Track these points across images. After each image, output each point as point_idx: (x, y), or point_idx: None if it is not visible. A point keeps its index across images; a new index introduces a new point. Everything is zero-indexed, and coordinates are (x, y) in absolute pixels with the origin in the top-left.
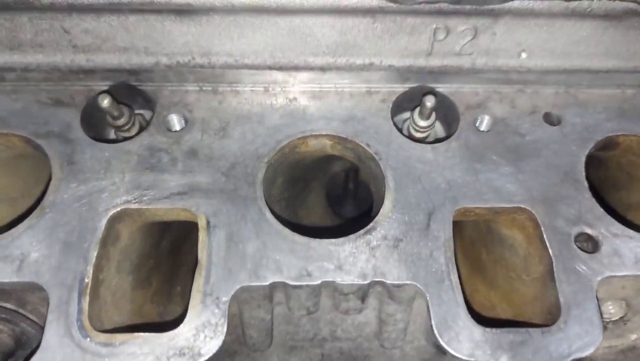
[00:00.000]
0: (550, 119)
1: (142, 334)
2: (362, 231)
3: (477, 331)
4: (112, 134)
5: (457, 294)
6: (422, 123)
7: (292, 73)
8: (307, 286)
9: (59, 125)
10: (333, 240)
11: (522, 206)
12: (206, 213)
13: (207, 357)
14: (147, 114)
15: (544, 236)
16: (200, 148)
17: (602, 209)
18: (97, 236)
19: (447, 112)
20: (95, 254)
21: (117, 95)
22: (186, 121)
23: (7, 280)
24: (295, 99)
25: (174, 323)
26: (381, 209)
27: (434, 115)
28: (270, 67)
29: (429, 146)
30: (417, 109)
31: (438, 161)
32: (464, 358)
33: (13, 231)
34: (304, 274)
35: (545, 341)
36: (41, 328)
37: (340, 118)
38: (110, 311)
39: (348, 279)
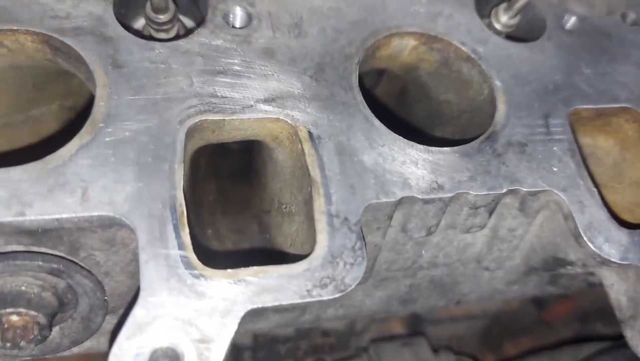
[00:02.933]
0: (628, 19)
1: (270, 267)
2: (482, 138)
3: (623, 234)
4: None
5: (596, 199)
6: (510, 21)
7: None
8: (439, 200)
9: (87, 19)
10: (456, 148)
11: (629, 106)
12: (304, 122)
13: (353, 286)
14: (187, 22)
15: None
16: (277, 47)
17: None
18: (179, 154)
19: (530, 10)
20: (181, 176)
21: None
22: (250, 17)
23: (72, 215)
24: None
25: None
26: (496, 113)
27: (520, 14)
28: None
29: (525, 45)
30: (502, 5)
31: (538, 61)
32: (617, 261)
33: (62, 151)
34: (434, 187)
35: None
36: (97, 281)
37: (425, 14)
38: None
39: (483, 190)
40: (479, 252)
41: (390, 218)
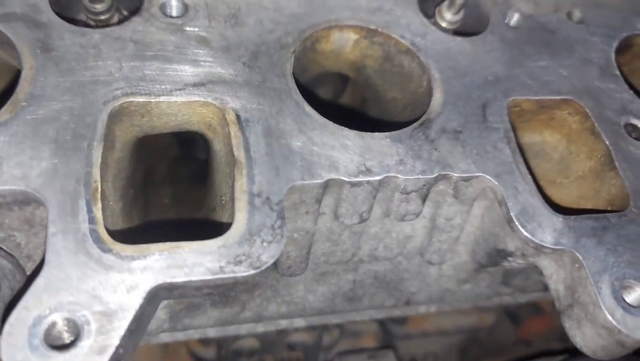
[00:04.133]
0: (573, 17)
1: (183, 243)
2: (417, 124)
3: (557, 219)
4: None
5: (530, 185)
6: (454, 18)
7: None
8: (367, 183)
9: (20, 5)
10: (387, 134)
11: (571, 98)
12: (234, 106)
13: (269, 264)
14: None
15: (596, 126)
16: (212, 36)
17: None
18: (99, 133)
19: (475, 8)
20: (100, 154)
21: None
22: (186, 7)
23: None
24: None
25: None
26: (432, 101)
27: (462, 10)
28: None
29: (466, 39)
30: (445, 3)
31: (478, 54)
32: (550, 246)
33: None
34: (362, 170)
35: (624, 225)
36: (17, 264)
37: (366, 9)
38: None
39: (412, 174)
40: (420, 244)
41: (319, 201)
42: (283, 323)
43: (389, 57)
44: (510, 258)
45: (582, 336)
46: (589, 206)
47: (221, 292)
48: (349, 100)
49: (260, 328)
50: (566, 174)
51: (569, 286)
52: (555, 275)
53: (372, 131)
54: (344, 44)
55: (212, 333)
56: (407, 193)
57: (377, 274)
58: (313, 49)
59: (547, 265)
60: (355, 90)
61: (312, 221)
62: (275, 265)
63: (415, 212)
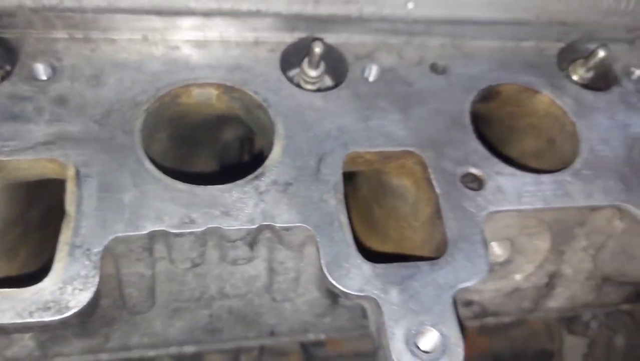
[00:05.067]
0: (436, 69)
1: (2, 290)
2: (250, 177)
3: (367, 267)
4: None
5: (346, 235)
6: (312, 73)
7: (173, 19)
8: (190, 233)
9: None
10: (219, 186)
11: (411, 150)
12: (76, 162)
13: (75, 310)
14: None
15: (432, 177)
16: (71, 96)
17: (486, 151)
18: None
19: (336, 64)
20: None
21: None
22: (54, 70)
23: None
24: (177, 47)
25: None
26: (270, 155)
27: (322, 65)
28: (148, 12)
29: (319, 94)
30: (306, 59)
31: (328, 109)
32: (353, 293)
33: None
34: (186, 221)
35: (434, 273)
36: None
37: (226, 67)
38: None
39: (235, 224)
40: (265, 284)
41: (148, 250)
42: (150, 353)
43: (248, 110)
44: (340, 298)
45: None
46: (424, 250)
47: (46, 331)
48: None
49: (135, 354)
50: (416, 217)
51: (376, 330)
52: (371, 318)
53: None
54: (209, 97)
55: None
56: (233, 241)
57: (231, 309)
58: (175, 103)
59: (368, 308)
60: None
61: (146, 267)
62: (124, 303)
63: (245, 257)
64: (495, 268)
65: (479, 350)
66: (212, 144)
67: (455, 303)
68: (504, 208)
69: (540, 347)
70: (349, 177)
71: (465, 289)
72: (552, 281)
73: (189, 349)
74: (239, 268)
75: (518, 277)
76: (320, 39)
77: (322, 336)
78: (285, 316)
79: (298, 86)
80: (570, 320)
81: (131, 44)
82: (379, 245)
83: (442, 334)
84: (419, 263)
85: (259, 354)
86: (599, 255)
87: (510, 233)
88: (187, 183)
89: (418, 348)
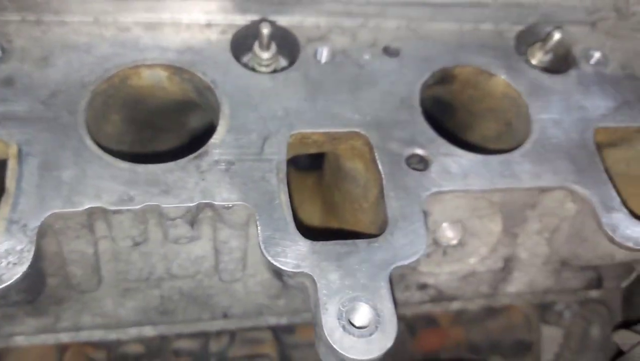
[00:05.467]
0: (389, 51)
1: None
2: (192, 156)
3: (305, 245)
4: None
5: (286, 213)
6: (264, 55)
7: (124, 1)
8: (128, 211)
9: None
10: (160, 165)
11: (357, 131)
12: (19, 141)
13: (9, 283)
14: None
15: (376, 157)
16: (19, 77)
17: (433, 132)
18: None
19: (290, 46)
20: None
21: None
22: (3, 51)
23: None
24: (128, 29)
25: None
26: (214, 135)
27: (274, 46)
28: None
29: (268, 75)
30: (256, 43)
31: (276, 90)
32: (289, 270)
33: None
34: (125, 199)
35: (371, 251)
36: None
37: (176, 49)
38: None
39: (174, 202)
40: (212, 265)
41: (88, 227)
42: (112, 336)
43: (200, 92)
44: (284, 278)
45: (320, 354)
46: (372, 231)
47: None
48: None
49: (83, 336)
50: (366, 199)
51: (313, 306)
52: (311, 296)
53: None
54: (159, 79)
55: (38, 340)
56: (172, 219)
57: (182, 291)
58: (126, 85)
59: (309, 286)
60: None
61: (87, 244)
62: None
63: (187, 236)
64: (449, 251)
65: (453, 341)
66: (178, 130)
67: (391, 280)
68: (448, 188)
69: (518, 338)
70: (319, 165)
71: (407, 268)
72: (508, 265)
73: (150, 332)
74: (185, 247)
75: (473, 260)
76: (269, 21)
77: (282, 320)
78: (237, 297)
79: (253, 69)
80: (543, 309)
81: (82, 26)
82: (337, 228)
83: (376, 310)
84: (357, 241)
85: (229, 340)
86: (553, 238)
87: (461, 214)
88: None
89: (351, 323)
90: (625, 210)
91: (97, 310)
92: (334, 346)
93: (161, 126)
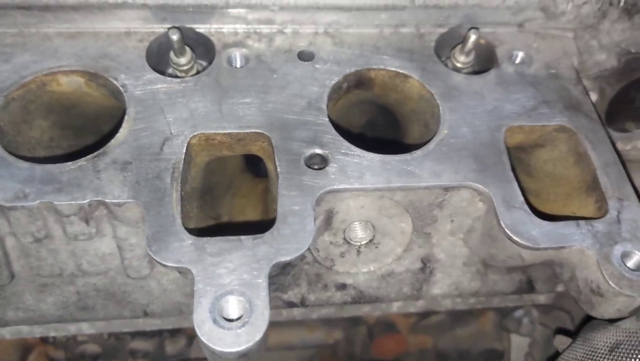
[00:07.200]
0: (303, 56)
1: None
2: (90, 156)
3: (189, 241)
4: None
5: (175, 210)
6: (180, 60)
7: (43, 13)
8: (22, 207)
9: None
10: (58, 165)
11: (260, 132)
12: None
13: None
14: None
15: (275, 157)
16: None
17: (335, 132)
18: None
19: (206, 52)
20: None
21: None
22: None
23: None
24: (49, 39)
25: None
26: (116, 136)
27: (189, 52)
28: (18, 7)
29: (177, 80)
30: (172, 51)
31: (185, 94)
32: (170, 264)
33: None
34: (20, 196)
35: (255, 247)
36: None
37: (92, 56)
38: None
39: (65, 199)
40: (120, 262)
41: None
42: (37, 330)
43: (115, 96)
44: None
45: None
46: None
47: None
48: None
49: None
50: (272, 198)
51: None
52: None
53: None
54: (79, 85)
55: None
56: (67, 216)
57: (97, 287)
58: (45, 90)
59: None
60: None
61: None
62: None
63: (84, 233)
64: (362, 250)
65: (415, 347)
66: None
67: (269, 276)
68: (342, 186)
69: (488, 346)
70: None
71: (295, 261)
72: (427, 266)
73: (74, 329)
74: (91, 244)
75: (388, 260)
76: (178, 27)
77: None
78: (155, 295)
79: (175, 76)
80: (503, 317)
81: (4, 38)
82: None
83: (250, 304)
84: (242, 237)
85: (187, 342)
86: (469, 239)
87: (368, 214)
88: None
89: (223, 317)
90: (526, 208)
91: (19, 304)
92: (202, 338)
93: (102, 131)
